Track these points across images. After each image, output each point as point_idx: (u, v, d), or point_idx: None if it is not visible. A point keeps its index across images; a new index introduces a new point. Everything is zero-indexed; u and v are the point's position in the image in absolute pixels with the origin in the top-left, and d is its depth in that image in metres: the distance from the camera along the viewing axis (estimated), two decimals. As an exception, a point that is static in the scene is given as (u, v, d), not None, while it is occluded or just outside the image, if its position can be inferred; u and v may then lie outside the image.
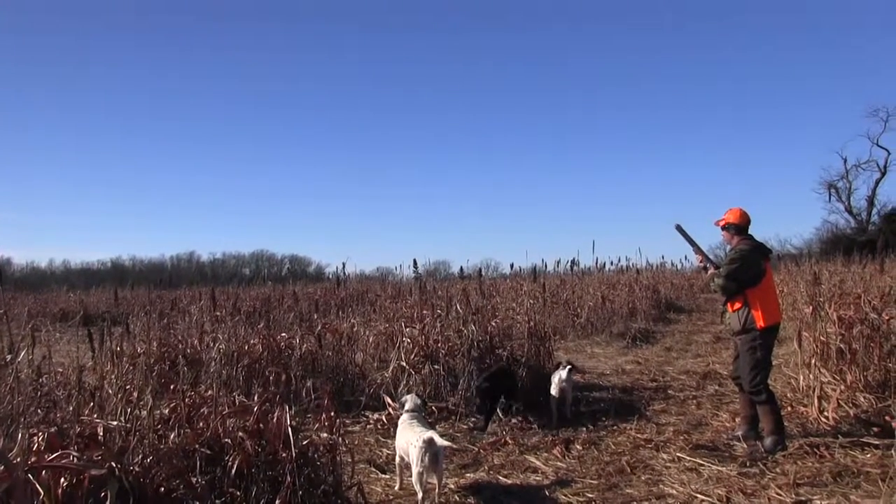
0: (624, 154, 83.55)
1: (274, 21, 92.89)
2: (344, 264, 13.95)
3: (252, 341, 7.40)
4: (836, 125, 69.64)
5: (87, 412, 4.01)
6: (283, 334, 7.81)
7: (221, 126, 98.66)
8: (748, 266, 5.55)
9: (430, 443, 4.31)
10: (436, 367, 7.21)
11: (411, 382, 7.11)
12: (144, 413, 3.81)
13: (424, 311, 8.17)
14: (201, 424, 3.97)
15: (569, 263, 16.76)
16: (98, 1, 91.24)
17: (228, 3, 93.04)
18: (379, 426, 6.53)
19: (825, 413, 6.22)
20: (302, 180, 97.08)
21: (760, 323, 5.48)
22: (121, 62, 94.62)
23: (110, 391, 4.27)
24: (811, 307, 7.58)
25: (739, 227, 5.77)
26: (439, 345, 7.43)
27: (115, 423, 3.72)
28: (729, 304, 5.74)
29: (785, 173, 72.36)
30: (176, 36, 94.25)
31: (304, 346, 7.52)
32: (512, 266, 16.76)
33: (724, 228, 5.86)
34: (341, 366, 7.70)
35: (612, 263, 20.80)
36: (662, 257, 24.98)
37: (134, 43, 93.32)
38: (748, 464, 5.17)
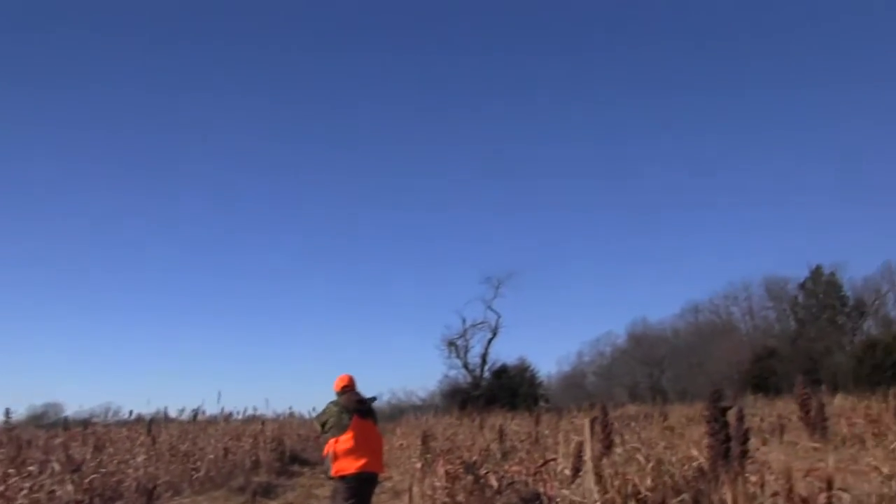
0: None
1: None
2: None
3: None
4: (460, 287, 78.17)
5: None
6: None
7: None
8: (327, 419, 6.38)
9: None
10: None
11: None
12: None
13: (10, 471, 6.87)
14: None
15: (192, 412, 15.82)
16: None
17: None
18: None
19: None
20: None
21: (333, 471, 6.14)
22: None
23: None
24: (420, 462, 8.26)
25: (336, 392, 6.68)
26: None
27: None
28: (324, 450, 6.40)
29: (417, 331, 78.22)
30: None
31: None
32: (131, 413, 15.20)
33: None
34: None
35: (238, 413, 20.20)
36: (290, 407, 25.01)
37: None
38: None
